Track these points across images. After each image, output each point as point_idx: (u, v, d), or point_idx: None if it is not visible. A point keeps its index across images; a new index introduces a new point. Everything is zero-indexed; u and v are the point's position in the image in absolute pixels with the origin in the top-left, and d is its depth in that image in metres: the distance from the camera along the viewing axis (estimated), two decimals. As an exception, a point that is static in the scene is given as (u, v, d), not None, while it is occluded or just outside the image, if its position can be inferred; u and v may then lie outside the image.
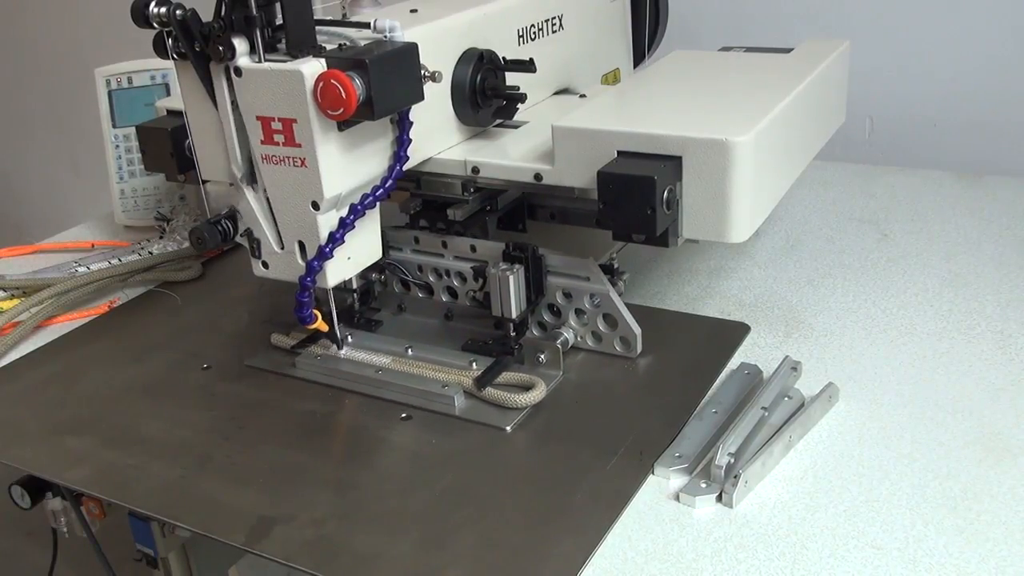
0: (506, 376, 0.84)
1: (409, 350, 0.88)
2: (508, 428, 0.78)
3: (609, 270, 0.89)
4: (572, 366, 0.86)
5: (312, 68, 0.71)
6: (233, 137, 0.76)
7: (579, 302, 0.87)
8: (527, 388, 0.82)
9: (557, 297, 0.87)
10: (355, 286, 0.92)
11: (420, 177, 0.89)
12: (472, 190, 0.88)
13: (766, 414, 0.75)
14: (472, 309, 0.91)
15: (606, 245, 0.97)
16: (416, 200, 0.92)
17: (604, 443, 0.76)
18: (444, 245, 0.91)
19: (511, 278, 0.83)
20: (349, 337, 0.90)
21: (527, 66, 0.89)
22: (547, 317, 0.89)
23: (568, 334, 0.88)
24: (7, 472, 0.83)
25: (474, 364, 0.85)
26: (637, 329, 0.86)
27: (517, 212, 0.92)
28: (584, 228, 0.89)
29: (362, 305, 0.94)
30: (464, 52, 0.87)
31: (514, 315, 0.84)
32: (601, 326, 0.87)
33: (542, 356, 0.85)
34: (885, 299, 0.95)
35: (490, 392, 0.82)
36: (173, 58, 0.75)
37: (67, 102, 2.34)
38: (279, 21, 0.73)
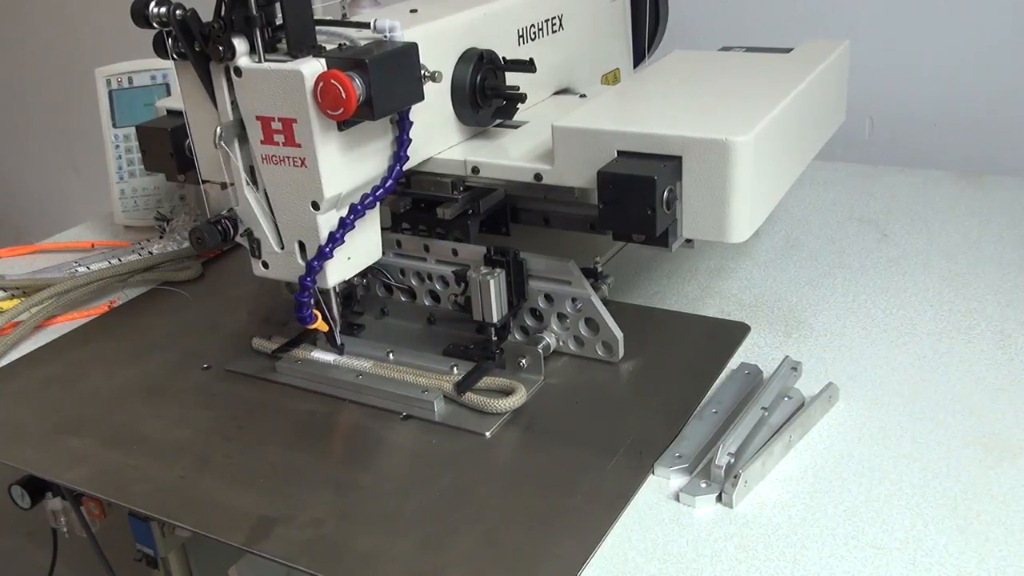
0: (487, 381, 0.83)
1: (390, 354, 0.88)
2: (487, 434, 0.78)
3: (592, 274, 0.88)
4: (554, 371, 0.86)
5: (312, 68, 0.71)
6: (233, 137, 0.76)
7: (561, 306, 0.86)
8: (508, 393, 0.81)
9: (539, 301, 0.87)
10: (337, 290, 0.92)
11: (411, 176, 0.88)
12: (462, 188, 0.88)
13: (766, 414, 0.75)
14: (454, 313, 0.90)
15: (593, 249, 0.96)
16: (406, 199, 0.91)
17: (604, 443, 0.76)
18: (426, 249, 0.90)
19: (492, 282, 0.83)
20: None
21: (527, 66, 0.89)
22: (529, 321, 0.88)
23: (550, 339, 0.87)
24: (7, 472, 0.83)
25: (455, 368, 0.85)
26: (619, 334, 0.86)
27: (500, 215, 0.92)
28: (568, 232, 0.89)
29: (344, 309, 0.93)
30: (464, 52, 0.87)
31: (495, 319, 0.84)
32: (583, 331, 0.87)
33: (523, 361, 0.85)
34: (885, 299, 0.95)
35: (470, 397, 0.81)
36: (173, 58, 0.75)
37: (67, 102, 2.34)
38: (279, 21, 0.73)
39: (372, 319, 0.95)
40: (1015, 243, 1.05)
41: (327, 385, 0.86)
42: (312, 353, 0.89)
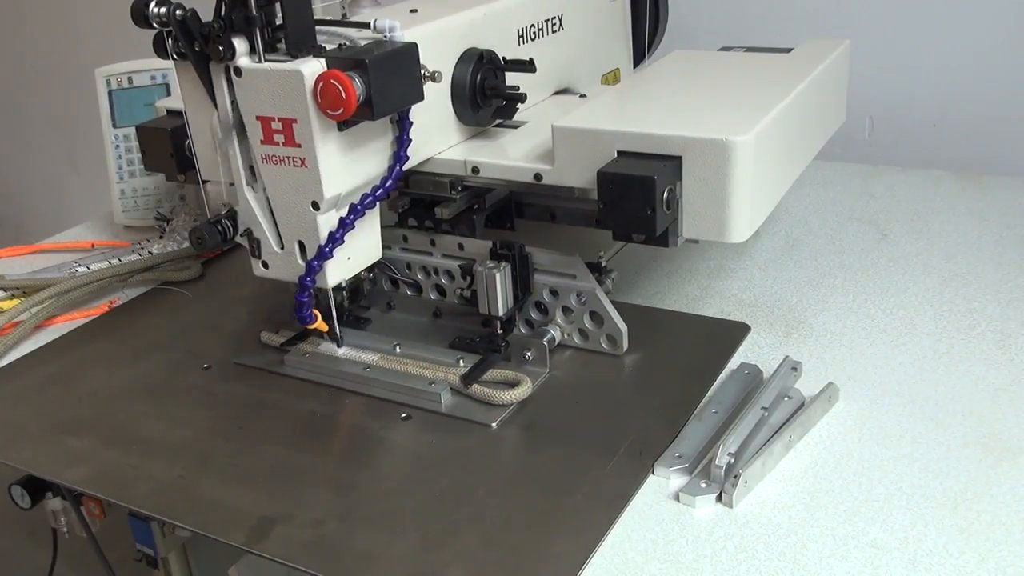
0: (492, 373, 0.84)
1: (397, 347, 0.89)
2: (494, 425, 0.79)
3: (597, 268, 0.89)
4: (559, 363, 0.87)
5: (312, 68, 0.71)
6: (233, 137, 0.76)
7: (566, 300, 0.87)
8: (513, 385, 0.82)
9: (544, 295, 0.88)
10: (344, 284, 0.92)
11: (411, 176, 0.88)
12: (460, 188, 0.88)
13: (766, 414, 0.75)
14: (460, 307, 0.91)
15: (598, 244, 0.96)
16: (405, 198, 0.92)
17: (604, 443, 0.76)
18: (432, 243, 0.91)
19: (497, 276, 0.83)
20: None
21: (527, 66, 0.89)
22: (534, 315, 0.89)
23: (555, 332, 0.88)
24: (7, 472, 0.83)
25: (461, 361, 0.85)
26: (623, 327, 0.86)
27: (506, 210, 0.92)
28: (574, 227, 0.89)
29: (351, 303, 0.94)
30: (464, 52, 0.87)
31: (501, 313, 0.84)
32: (588, 324, 0.87)
33: (529, 353, 0.86)
34: (885, 299, 0.95)
35: (476, 389, 0.82)
36: (173, 58, 0.75)
37: (67, 102, 2.34)
38: (279, 21, 0.73)
39: (379, 313, 0.95)
40: (1015, 243, 1.05)
41: (335, 378, 0.87)
42: (320, 346, 0.89)
